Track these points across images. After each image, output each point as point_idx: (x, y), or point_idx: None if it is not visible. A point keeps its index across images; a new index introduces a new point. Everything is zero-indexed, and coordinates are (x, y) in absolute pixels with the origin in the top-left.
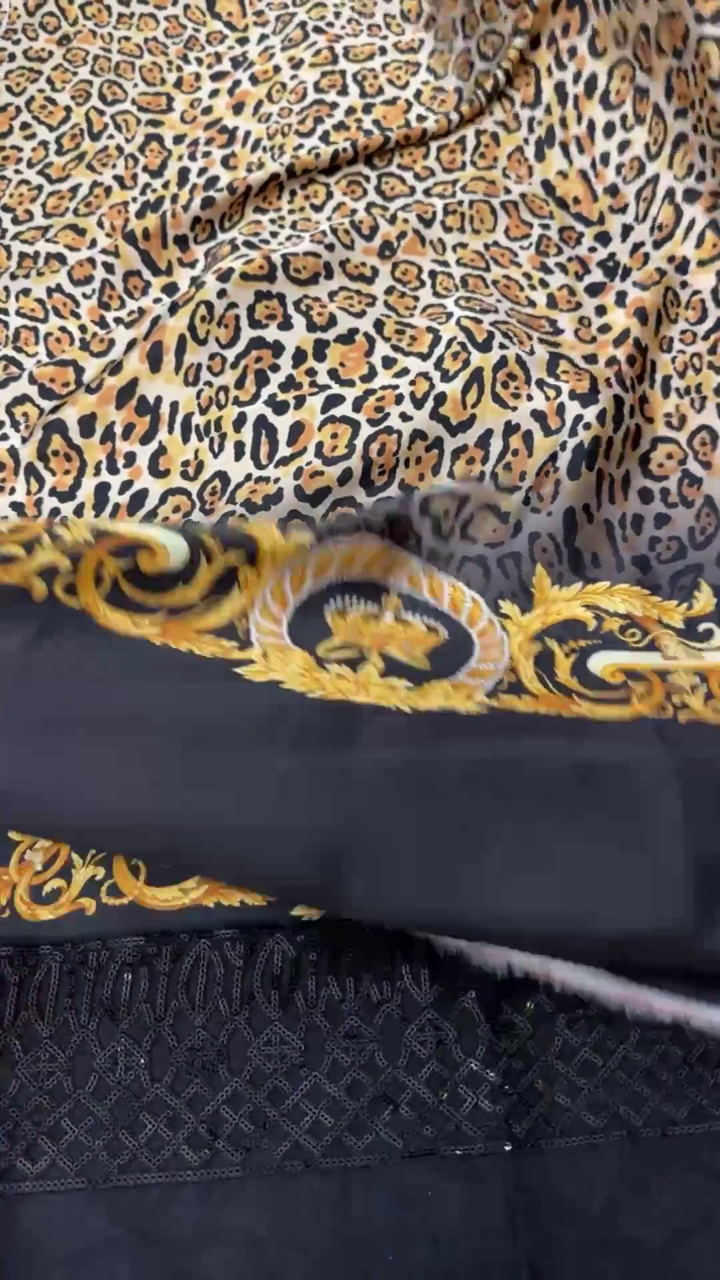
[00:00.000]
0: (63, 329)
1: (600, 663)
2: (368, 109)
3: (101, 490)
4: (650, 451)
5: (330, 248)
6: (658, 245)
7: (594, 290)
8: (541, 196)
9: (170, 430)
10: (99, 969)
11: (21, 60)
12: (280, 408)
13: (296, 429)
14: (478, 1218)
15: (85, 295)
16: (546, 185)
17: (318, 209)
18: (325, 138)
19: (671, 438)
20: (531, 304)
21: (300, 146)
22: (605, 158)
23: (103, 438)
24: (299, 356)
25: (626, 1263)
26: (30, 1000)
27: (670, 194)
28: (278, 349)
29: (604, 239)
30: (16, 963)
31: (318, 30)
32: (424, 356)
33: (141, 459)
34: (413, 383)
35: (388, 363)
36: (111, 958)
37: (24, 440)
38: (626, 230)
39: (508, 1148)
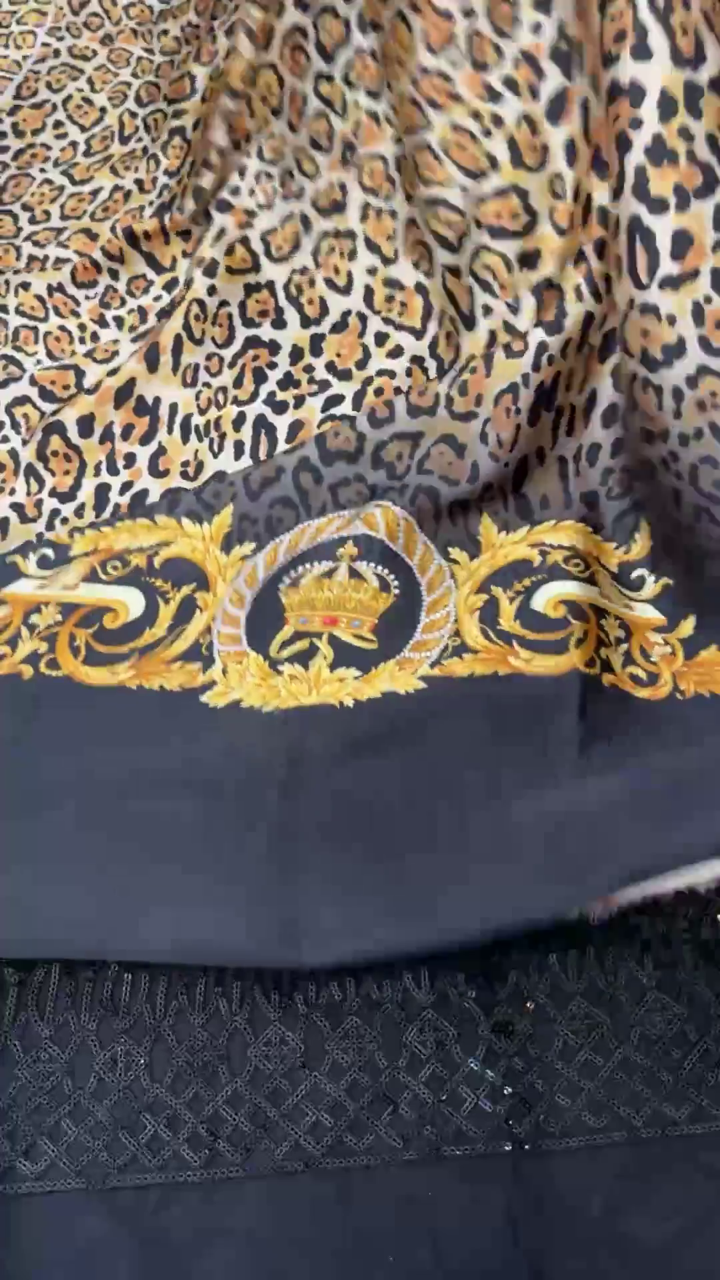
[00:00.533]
0: (62, 328)
1: (544, 596)
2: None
3: (102, 491)
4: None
5: (299, 195)
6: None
7: (554, 112)
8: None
9: (170, 431)
10: (99, 969)
11: (66, 57)
12: (279, 407)
13: (295, 427)
14: (478, 1218)
15: (88, 297)
16: None
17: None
18: None
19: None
20: (495, 165)
21: None
22: None
23: (102, 438)
24: (296, 354)
25: (627, 1263)
26: (30, 1000)
27: None
28: (274, 347)
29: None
30: (17, 962)
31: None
32: (417, 334)
33: (141, 459)
34: (409, 371)
35: (380, 339)
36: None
37: (24, 442)
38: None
39: (508, 1148)
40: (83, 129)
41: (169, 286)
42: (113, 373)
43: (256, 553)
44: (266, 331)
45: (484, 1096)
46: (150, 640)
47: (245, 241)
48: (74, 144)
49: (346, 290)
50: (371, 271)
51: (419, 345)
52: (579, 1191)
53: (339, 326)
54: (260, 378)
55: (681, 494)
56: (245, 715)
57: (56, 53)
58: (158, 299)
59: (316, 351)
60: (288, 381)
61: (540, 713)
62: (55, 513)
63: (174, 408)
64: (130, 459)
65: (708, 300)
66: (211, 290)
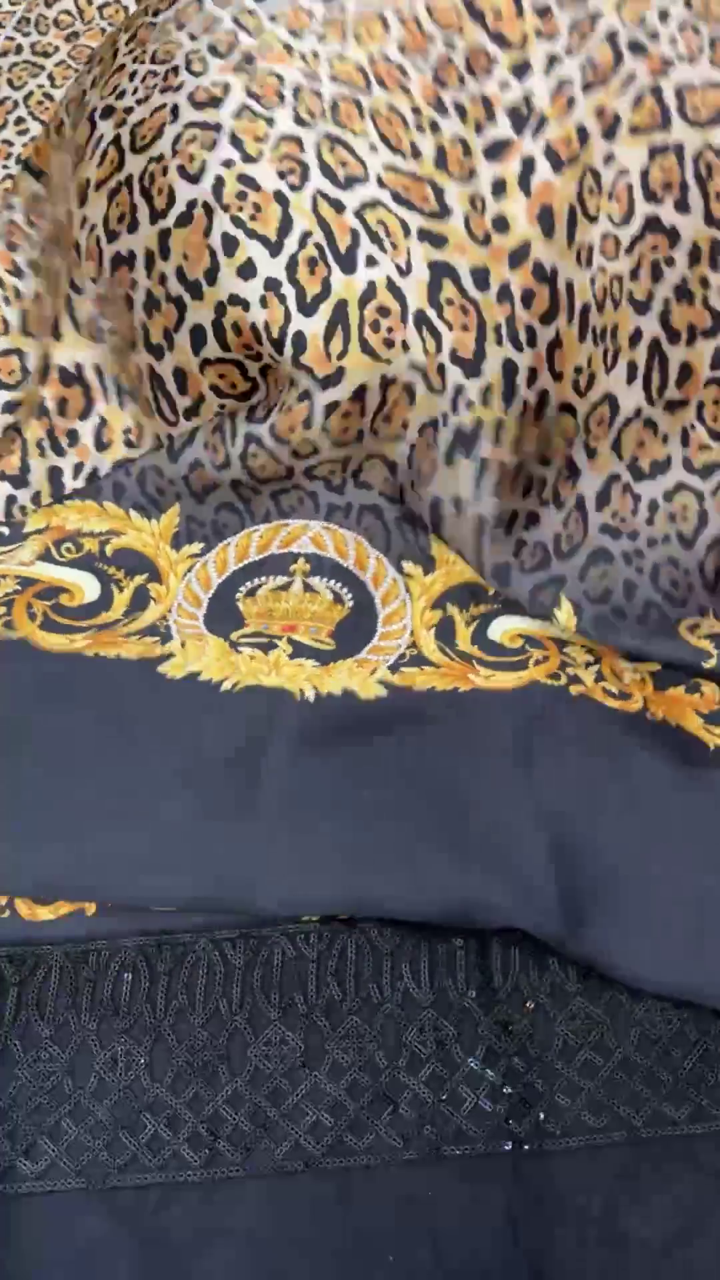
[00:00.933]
0: None
1: (500, 628)
2: None
3: (55, 474)
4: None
5: (175, 72)
6: (587, 89)
7: (494, 152)
8: (455, 4)
9: (108, 400)
10: (100, 969)
11: (28, 54)
12: (158, 351)
13: (179, 376)
14: (478, 1218)
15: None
16: None
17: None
18: None
19: (571, 405)
20: (416, 153)
21: None
22: None
23: (38, 413)
24: (148, 259)
25: (627, 1263)
26: (31, 1000)
27: (613, 37)
28: (133, 260)
29: (522, 71)
30: (17, 962)
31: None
32: (272, 248)
33: (85, 436)
34: (264, 301)
35: (229, 246)
36: (112, 957)
37: None
38: (552, 61)
39: (508, 1147)
40: (44, 124)
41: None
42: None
43: (206, 553)
44: (126, 241)
45: (484, 1096)
46: (107, 620)
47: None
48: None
49: (197, 177)
50: (227, 164)
51: (273, 264)
52: (579, 1191)
53: (184, 219)
54: (130, 304)
55: (637, 587)
56: (203, 687)
57: (19, 49)
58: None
59: (165, 252)
60: (151, 303)
61: (502, 717)
62: (11, 500)
63: (99, 370)
64: (73, 436)
65: (692, 427)
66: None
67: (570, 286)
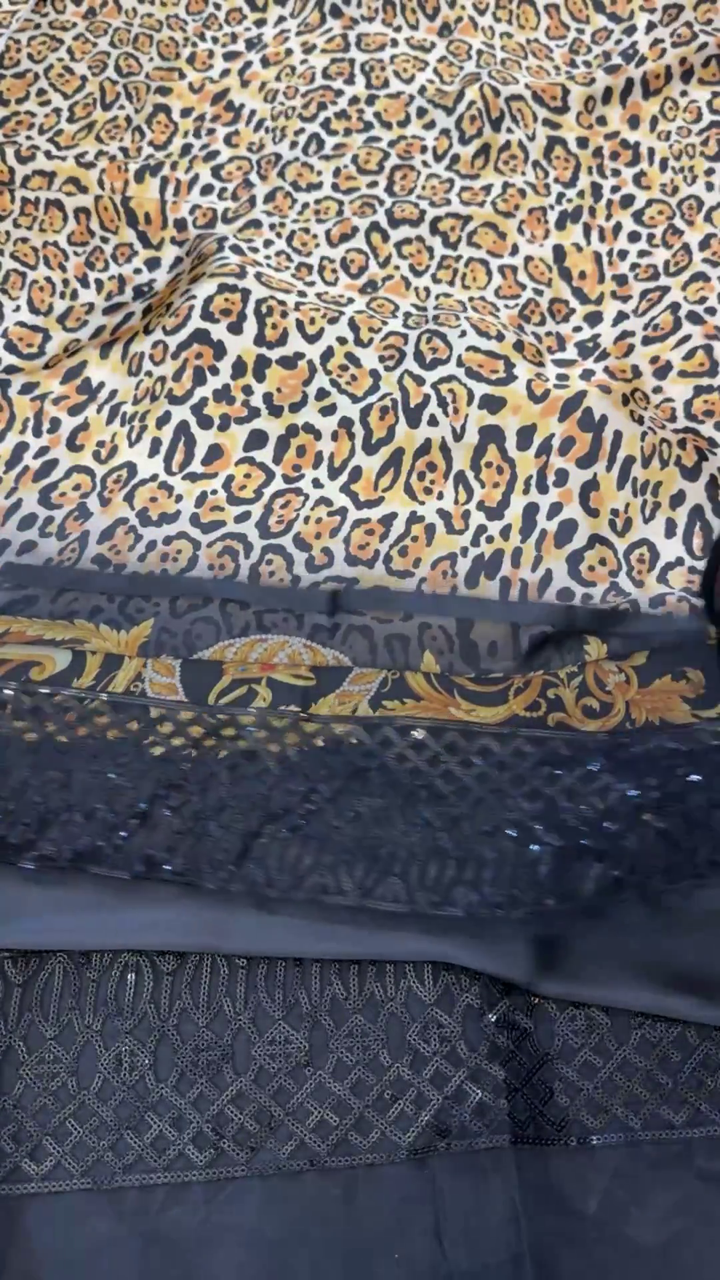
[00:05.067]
0: (48, 279)
1: None
2: (371, 100)
3: (19, 450)
4: (585, 549)
5: (309, 279)
6: (646, 343)
7: (562, 364)
8: (547, 262)
9: (99, 411)
10: (103, 969)
11: (46, 29)
12: (205, 422)
13: (214, 452)
14: (483, 1215)
15: (76, 254)
16: (558, 250)
17: (322, 221)
18: (326, 125)
19: (609, 540)
20: (500, 337)
21: (301, 130)
22: (623, 254)
23: (36, 396)
24: (238, 368)
25: (627, 1262)
26: (34, 1000)
27: (675, 307)
28: (220, 350)
29: (594, 320)
30: (20, 963)
31: (335, 13)
32: (355, 400)
33: (64, 429)
34: (334, 435)
35: (321, 395)
36: (115, 958)
37: None
38: (620, 317)
39: (511, 1145)
40: (65, 95)
41: (151, 264)
42: (72, 353)
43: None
44: (219, 332)
45: (487, 1094)
46: (79, 691)
47: (243, 265)
48: (57, 110)
49: (315, 338)
50: (341, 340)
51: (353, 410)
52: (577, 1190)
53: (287, 363)
54: (200, 378)
55: None
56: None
57: (38, 25)
58: (138, 271)
59: (260, 376)
60: (223, 395)
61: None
62: None
63: (113, 394)
64: (55, 424)
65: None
66: (187, 294)
67: (618, 437)
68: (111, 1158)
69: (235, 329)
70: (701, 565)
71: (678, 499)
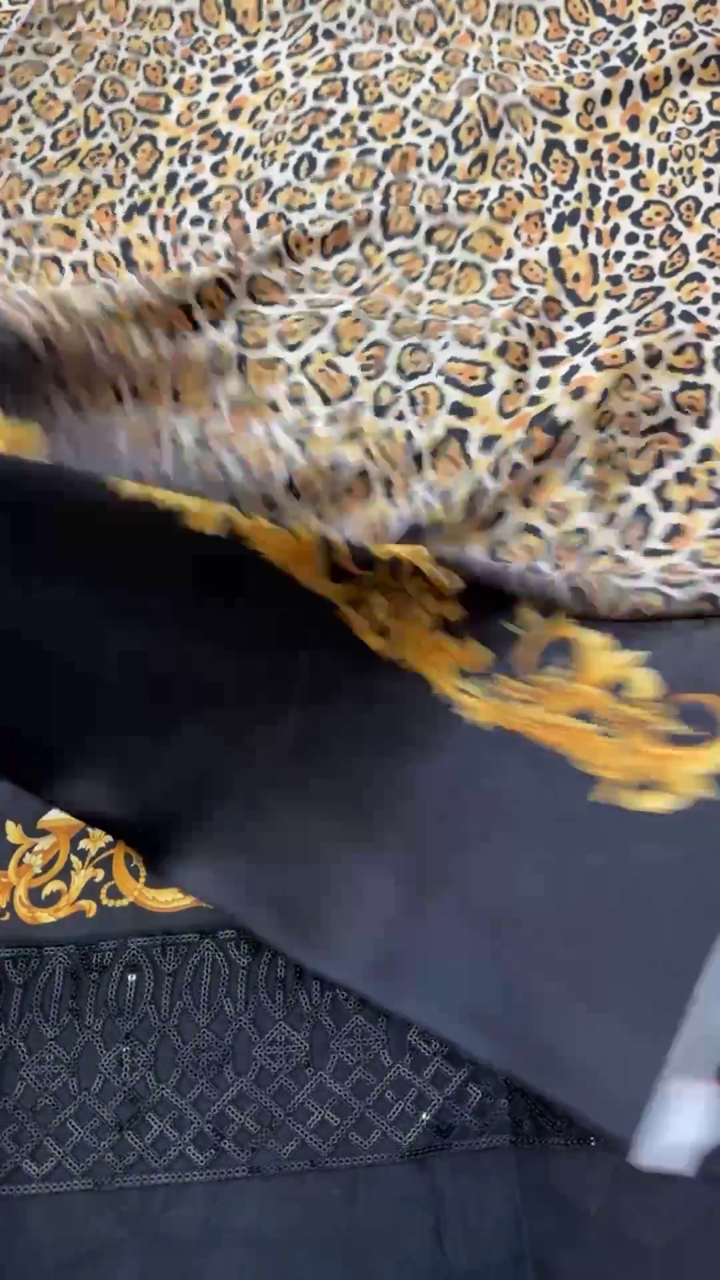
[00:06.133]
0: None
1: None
2: (364, 116)
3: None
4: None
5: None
6: (639, 334)
7: (549, 362)
8: (542, 264)
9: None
10: (103, 970)
11: (30, 54)
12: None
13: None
14: (482, 1214)
15: None
16: (553, 253)
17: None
18: (319, 144)
19: (537, 527)
20: (482, 345)
21: (291, 153)
22: (619, 255)
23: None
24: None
25: (627, 1262)
26: (35, 1001)
27: (669, 307)
28: None
29: (587, 320)
30: (21, 964)
31: (327, 35)
32: (327, 400)
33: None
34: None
35: (294, 393)
36: (115, 959)
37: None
38: (613, 314)
39: (511, 1145)
40: (48, 123)
41: None
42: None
43: None
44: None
45: (488, 1093)
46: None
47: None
48: (40, 138)
49: (291, 349)
50: (322, 350)
51: (324, 410)
52: (577, 1189)
53: (268, 363)
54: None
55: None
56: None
57: (21, 49)
58: None
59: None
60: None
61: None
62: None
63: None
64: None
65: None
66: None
67: (575, 441)
68: (112, 1158)
69: (216, 323)
70: None
71: (622, 498)
